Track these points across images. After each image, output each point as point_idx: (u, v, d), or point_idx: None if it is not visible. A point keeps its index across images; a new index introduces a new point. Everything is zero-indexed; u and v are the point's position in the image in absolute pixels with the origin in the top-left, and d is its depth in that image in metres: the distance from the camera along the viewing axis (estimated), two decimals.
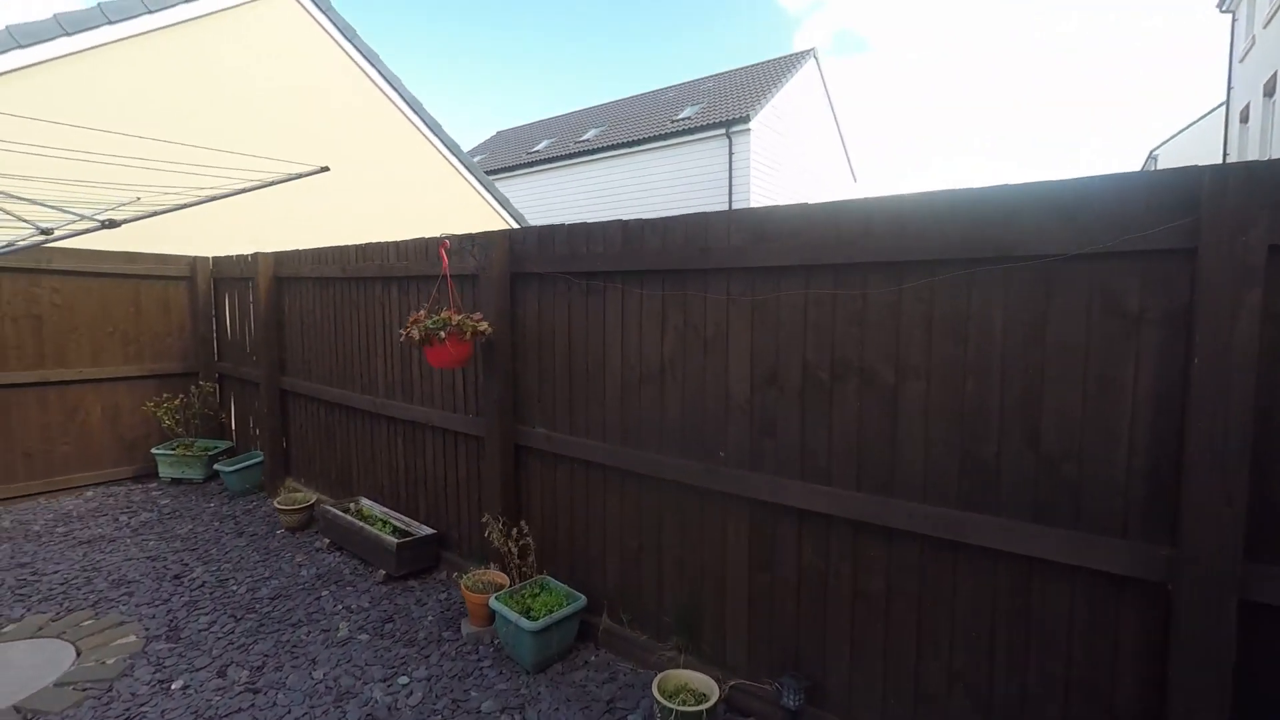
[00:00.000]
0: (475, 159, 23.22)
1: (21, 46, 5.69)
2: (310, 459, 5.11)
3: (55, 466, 5.28)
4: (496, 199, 10.71)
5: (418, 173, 9.27)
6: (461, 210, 9.91)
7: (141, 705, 2.60)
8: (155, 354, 5.81)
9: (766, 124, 16.34)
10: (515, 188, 20.68)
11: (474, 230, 3.45)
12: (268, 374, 5.18)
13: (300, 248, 4.93)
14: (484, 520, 3.27)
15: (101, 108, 6.08)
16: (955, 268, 1.98)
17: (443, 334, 2.82)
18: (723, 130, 15.88)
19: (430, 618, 3.32)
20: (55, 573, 3.80)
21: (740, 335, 2.47)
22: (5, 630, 3.17)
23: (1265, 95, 11.43)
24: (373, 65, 8.50)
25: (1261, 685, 1.65)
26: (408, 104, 9.01)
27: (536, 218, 17.91)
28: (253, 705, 2.61)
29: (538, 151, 20.81)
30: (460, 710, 2.58)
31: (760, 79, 18.04)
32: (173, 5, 6.61)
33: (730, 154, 15.87)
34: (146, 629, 3.19)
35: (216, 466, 5.39)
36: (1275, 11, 10.81)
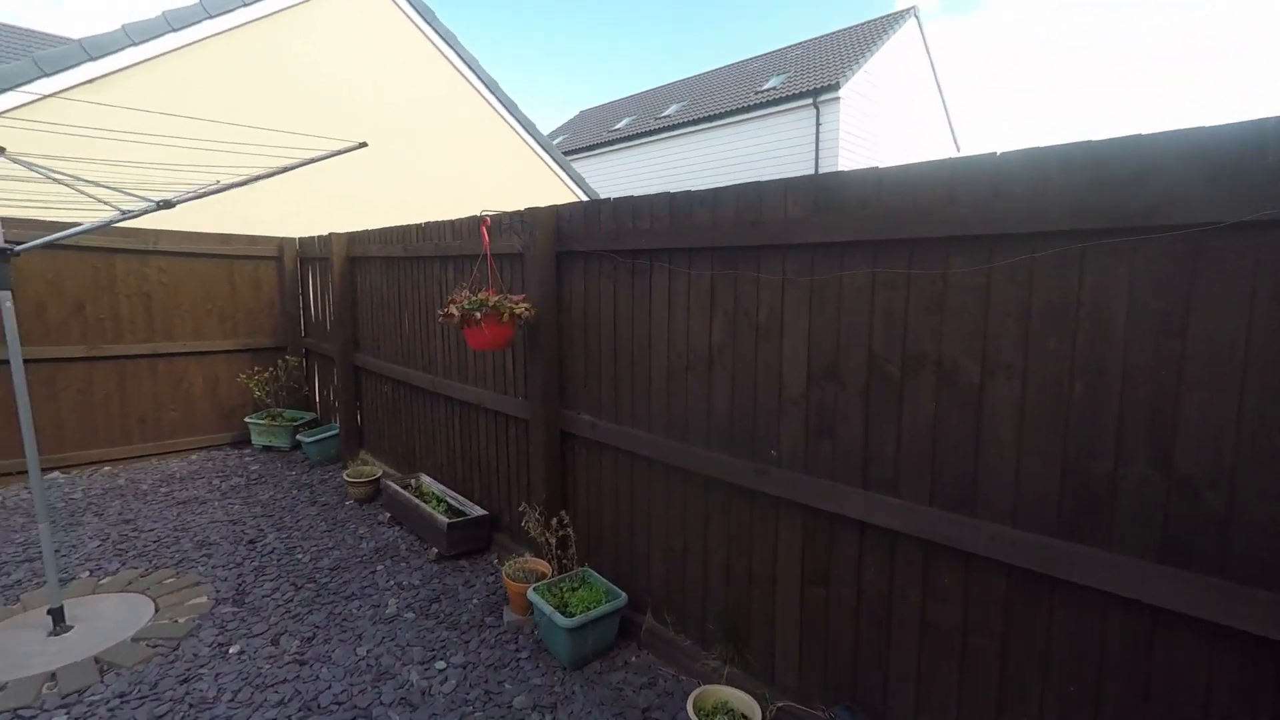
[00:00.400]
0: (557, 139, 23.44)
1: (135, 44, 6.14)
2: (380, 433, 5.27)
3: (164, 431, 5.77)
4: (572, 178, 10.65)
5: (495, 152, 9.35)
6: (537, 189, 9.92)
7: (200, 667, 2.72)
8: (248, 329, 6.20)
9: (858, 91, 15.26)
10: (595, 167, 20.68)
11: None
12: (341, 350, 5.38)
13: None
14: (521, 509, 3.18)
15: (189, 100, 6.48)
16: (1063, 241, 1.60)
17: (479, 315, 2.70)
18: (809, 100, 14.99)
19: (475, 601, 3.29)
20: (151, 530, 4.12)
21: (796, 321, 2.18)
22: (103, 582, 3.44)
23: None
24: (450, 47, 8.60)
25: None
26: (485, 85, 9.07)
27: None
28: (297, 677, 2.66)
29: (618, 130, 20.64)
30: (491, 703, 2.51)
31: (853, 44, 16.85)
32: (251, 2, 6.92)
33: (817, 125, 14.98)
34: (217, 591, 3.36)
35: (299, 437, 5.69)
36: None
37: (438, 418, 4.39)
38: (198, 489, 4.92)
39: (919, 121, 18.12)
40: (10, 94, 5.58)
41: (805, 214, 2.10)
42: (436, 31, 8.46)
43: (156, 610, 3.17)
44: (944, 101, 19.45)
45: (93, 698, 2.52)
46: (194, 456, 5.78)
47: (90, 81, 6.01)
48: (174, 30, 6.33)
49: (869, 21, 18.14)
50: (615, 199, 2.81)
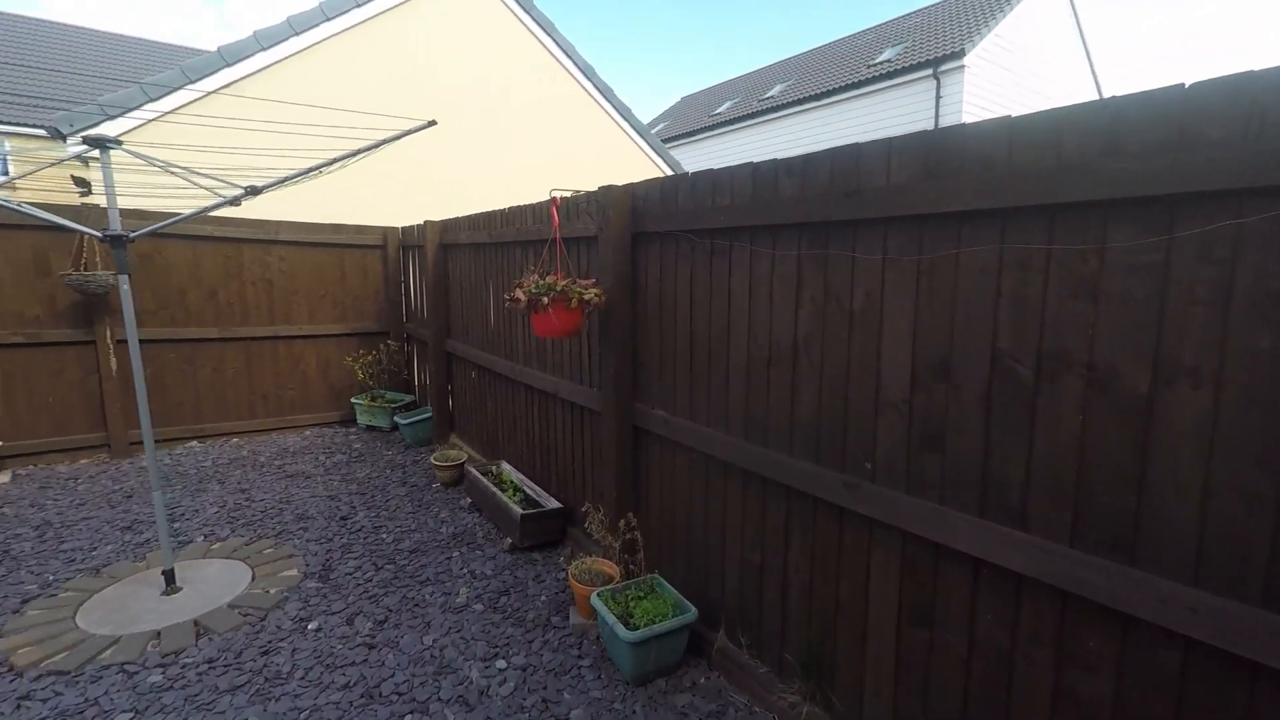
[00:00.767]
0: (658, 126, 23.27)
1: (263, 49, 6.64)
2: (469, 418, 5.36)
3: (284, 408, 6.25)
4: (668, 164, 10.42)
5: (590, 138, 9.31)
6: (632, 176, 9.80)
7: (280, 641, 2.81)
8: (356, 314, 6.57)
9: (987, 58, 13.74)
10: (695, 153, 20.30)
11: None
12: (434, 336, 5.52)
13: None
14: (584, 509, 3.02)
15: (302, 97, 6.92)
16: None
17: (545, 300, 2.55)
18: (929, 71, 13.70)
19: (544, 598, 3.19)
20: (261, 501, 4.42)
21: (899, 309, 1.82)
22: (213, 547, 3.71)
23: None
24: (548, 34, 8.62)
25: None
26: (580, 70, 9.03)
27: None
28: (365, 661, 2.67)
29: (719, 114, 20.10)
30: (548, 713, 2.37)
31: (981, 5, 15.18)
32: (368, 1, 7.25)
33: (937, 98, 13.67)
34: (307, 564, 3.51)
35: (396, 418, 5.94)
36: None
37: (518, 405, 4.36)
38: (305, 464, 5.25)
39: (1063, 91, 16.04)
40: (166, 98, 6.22)
41: (913, 179, 1.73)
42: (534, 19, 8.51)
43: (253, 579, 3.35)
44: (1093, 68, 17.09)
45: (186, 660, 2.67)
46: (307, 432, 6.21)
47: (229, 85, 6.58)
48: (296, 34, 6.78)
49: None
50: (694, 173, 2.54)
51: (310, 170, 2.68)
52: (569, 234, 3.23)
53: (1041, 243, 1.49)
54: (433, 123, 2.91)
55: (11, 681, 2.52)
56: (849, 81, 15.40)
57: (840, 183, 1.93)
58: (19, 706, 2.39)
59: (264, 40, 6.66)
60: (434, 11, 7.79)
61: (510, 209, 4.13)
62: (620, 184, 2.89)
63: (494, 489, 4.01)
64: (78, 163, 6.04)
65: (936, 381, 1.74)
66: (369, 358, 6.37)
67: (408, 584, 3.32)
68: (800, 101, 16.45)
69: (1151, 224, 1.32)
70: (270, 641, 2.81)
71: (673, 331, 2.75)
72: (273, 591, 3.23)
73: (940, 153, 1.67)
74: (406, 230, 6.42)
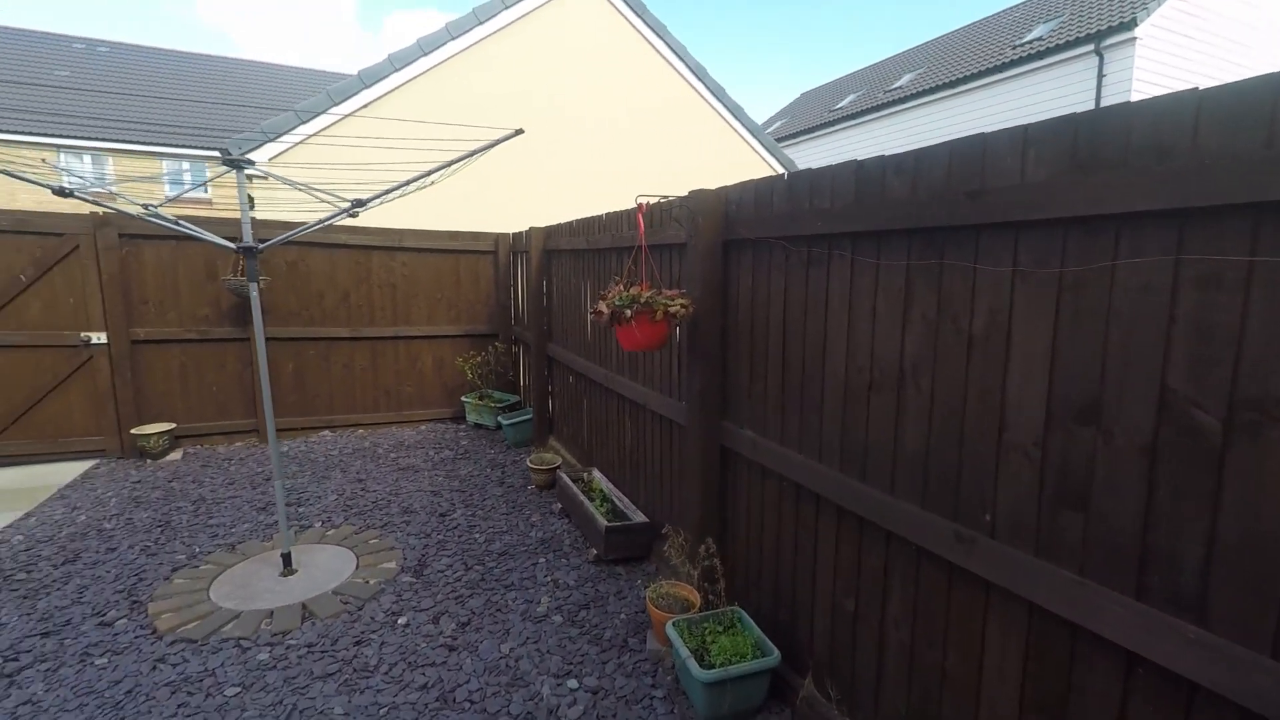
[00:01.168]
0: (775, 124, 22.62)
1: (397, 69, 7.17)
2: (565, 422, 5.41)
3: (403, 403, 6.70)
4: (782, 163, 10.01)
5: (701, 140, 9.17)
6: (742, 177, 9.51)
7: (372, 632, 2.94)
8: (469, 317, 6.90)
9: (1166, 26, 11.83)
10: (813, 150, 19.48)
11: None
12: (536, 340, 5.64)
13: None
14: (665, 531, 2.86)
15: (424, 114, 7.37)
16: None
17: (629, 313, 2.43)
18: (1090, 47, 12.06)
19: (623, 616, 3.09)
20: (374, 491, 4.73)
21: (1032, 333, 1.49)
22: (328, 534, 4.00)
23: None
24: (659, 36, 8.58)
25: None
26: (692, 71, 8.91)
27: None
28: (444, 663, 2.71)
29: (840, 109, 19.10)
30: None
31: None
32: (491, 17, 7.58)
33: (1099, 77, 11.99)
34: (404, 558, 3.67)
35: (500, 418, 6.15)
36: None
37: (610, 413, 4.31)
38: (416, 458, 5.57)
39: (1269, 61, 13.47)
40: (312, 122, 6.92)
41: (1055, 174, 1.41)
42: (647, 23, 8.51)
43: (356, 567, 3.56)
44: None
45: (290, 641, 2.86)
46: (423, 427, 6.61)
47: (365, 106, 7.19)
48: (425, 54, 7.26)
49: None
50: (791, 174, 2.31)
51: (404, 184, 2.78)
52: (659, 241, 3.10)
53: (1242, 253, 1.13)
54: (520, 131, 2.91)
55: (153, 643, 2.83)
56: (991, 65, 13.97)
57: (960, 180, 1.63)
58: (155, 667, 2.67)
59: (397, 62, 7.20)
60: (549, 22, 8.02)
61: (607, 215, 4.09)
62: (713, 187, 2.72)
63: (582, 497, 3.98)
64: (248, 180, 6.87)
65: (1080, 425, 1.40)
66: (477, 359, 6.66)
67: (493, 587, 3.36)
68: (933, 90, 15.20)
69: None
70: (363, 632, 2.94)
71: (764, 347, 2.53)
72: (372, 582, 3.40)
73: (1094, 140, 1.34)
74: (516, 236, 6.64)
